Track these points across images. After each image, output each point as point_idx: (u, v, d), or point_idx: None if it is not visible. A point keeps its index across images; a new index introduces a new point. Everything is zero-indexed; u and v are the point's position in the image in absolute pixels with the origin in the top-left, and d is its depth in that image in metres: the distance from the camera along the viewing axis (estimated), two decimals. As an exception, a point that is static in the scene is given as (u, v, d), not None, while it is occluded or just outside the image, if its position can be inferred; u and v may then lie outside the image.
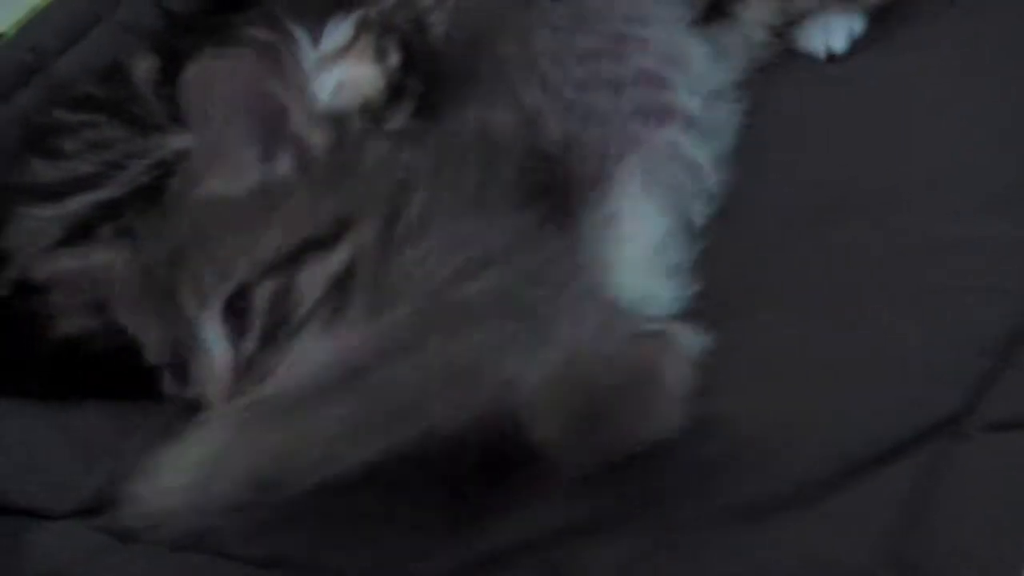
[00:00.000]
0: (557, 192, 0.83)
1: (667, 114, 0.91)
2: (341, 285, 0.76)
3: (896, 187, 0.92)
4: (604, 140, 0.87)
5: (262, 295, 0.76)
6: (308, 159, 0.80)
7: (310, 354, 0.74)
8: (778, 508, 0.73)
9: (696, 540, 0.73)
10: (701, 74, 0.95)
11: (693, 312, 0.85)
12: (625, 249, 0.83)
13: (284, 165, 0.81)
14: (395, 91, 1.11)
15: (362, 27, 1.14)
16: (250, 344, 0.76)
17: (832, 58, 1.08)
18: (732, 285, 0.87)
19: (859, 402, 0.78)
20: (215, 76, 0.81)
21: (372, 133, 0.84)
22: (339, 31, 1.15)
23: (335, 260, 0.76)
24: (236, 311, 0.76)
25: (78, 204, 1.00)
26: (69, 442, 0.91)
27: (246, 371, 0.75)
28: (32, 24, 1.28)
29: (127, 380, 0.90)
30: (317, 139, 0.81)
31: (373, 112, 1.10)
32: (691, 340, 0.76)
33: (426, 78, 1.12)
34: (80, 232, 0.99)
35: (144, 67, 1.14)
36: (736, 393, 0.78)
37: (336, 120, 0.83)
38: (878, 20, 1.10)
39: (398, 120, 1.11)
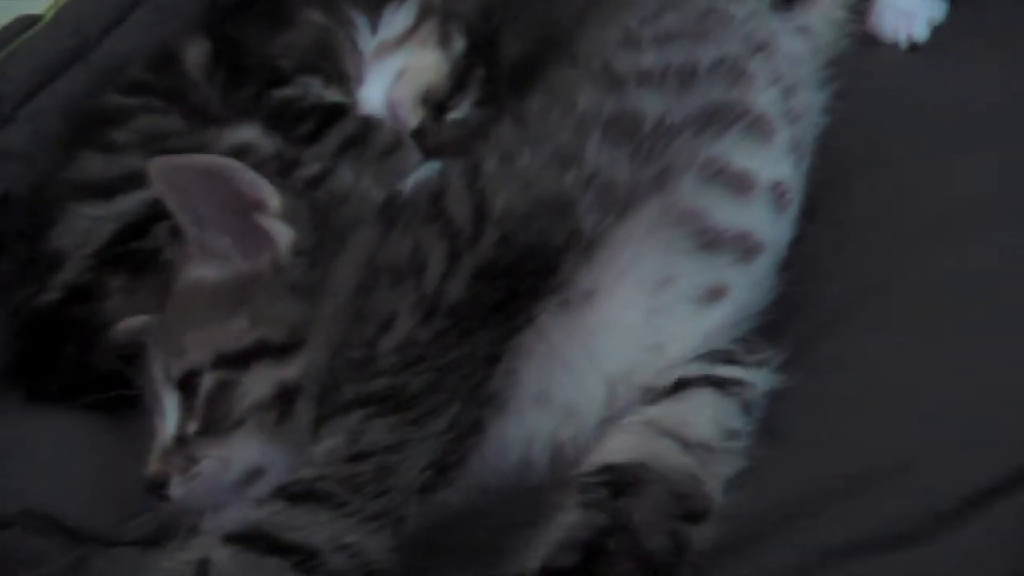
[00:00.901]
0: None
1: (734, 114, 0.83)
2: (287, 396, 0.74)
3: (1005, 201, 0.88)
4: (639, 172, 0.80)
5: (208, 382, 0.74)
6: (280, 261, 0.77)
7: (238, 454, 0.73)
8: (900, 542, 0.70)
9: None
10: (782, 65, 0.90)
11: (786, 330, 0.81)
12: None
13: (261, 262, 0.78)
14: (459, 79, 1.09)
15: (425, 12, 1.11)
16: (191, 427, 0.75)
17: (913, 48, 1.03)
18: (833, 304, 0.83)
19: (970, 434, 0.74)
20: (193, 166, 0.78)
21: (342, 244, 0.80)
22: (399, 16, 1.12)
23: (286, 370, 0.75)
24: (189, 391, 0.75)
25: (130, 202, 0.96)
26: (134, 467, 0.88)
27: (179, 449, 0.75)
28: (70, 7, 1.25)
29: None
30: (283, 237, 0.78)
31: (436, 99, 1.08)
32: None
33: (489, 66, 1.09)
34: (132, 232, 0.95)
35: (195, 52, 1.10)
36: (846, 421, 0.75)
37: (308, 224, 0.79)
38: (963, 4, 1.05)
39: (462, 109, 1.08)
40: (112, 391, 0.88)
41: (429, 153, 1.05)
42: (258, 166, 0.92)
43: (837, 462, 0.73)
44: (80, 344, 0.94)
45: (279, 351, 0.75)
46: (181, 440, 0.75)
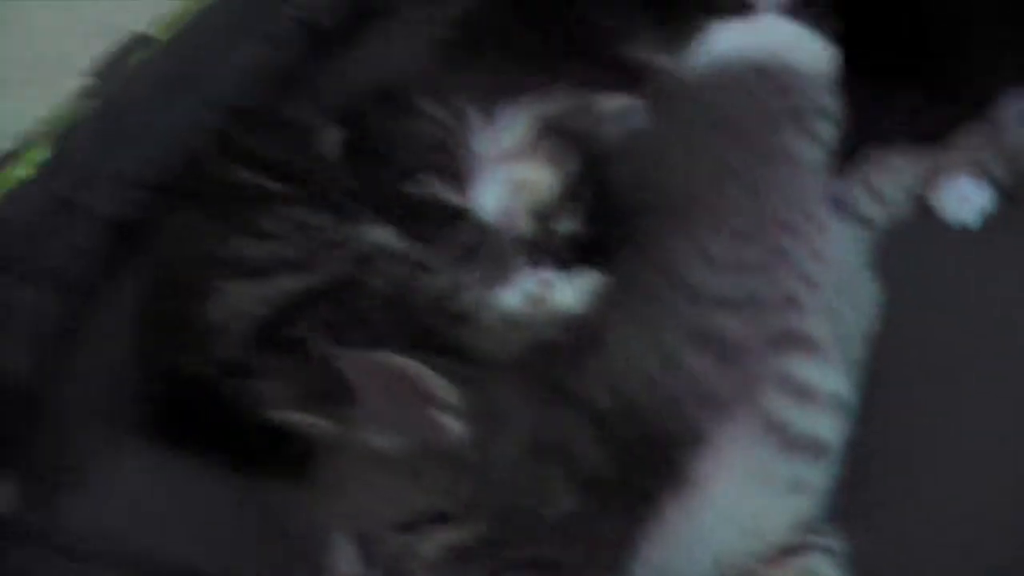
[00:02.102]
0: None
1: (794, 341, 0.97)
2: (457, 555, 0.85)
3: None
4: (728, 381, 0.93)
5: (389, 545, 0.85)
6: (449, 443, 0.88)
7: None
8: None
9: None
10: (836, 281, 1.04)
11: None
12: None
13: (430, 442, 0.89)
14: (569, 196, 1.19)
15: (542, 129, 1.22)
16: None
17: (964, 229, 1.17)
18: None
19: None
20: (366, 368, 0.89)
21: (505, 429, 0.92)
22: (515, 125, 1.22)
23: (457, 534, 0.85)
24: (366, 545, 0.86)
25: (278, 288, 1.07)
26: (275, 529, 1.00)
27: None
28: (188, 31, 1.34)
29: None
30: (455, 430, 0.89)
31: (544, 213, 1.20)
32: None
33: (598, 187, 1.20)
34: (282, 318, 1.07)
35: (329, 139, 1.20)
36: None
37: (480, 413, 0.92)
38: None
39: (567, 225, 1.19)
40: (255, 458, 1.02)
41: (535, 262, 1.17)
42: (391, 270, 1.08)
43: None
44: (228, 416, 1.05)
45: (451, 519, 0.85)
46: None
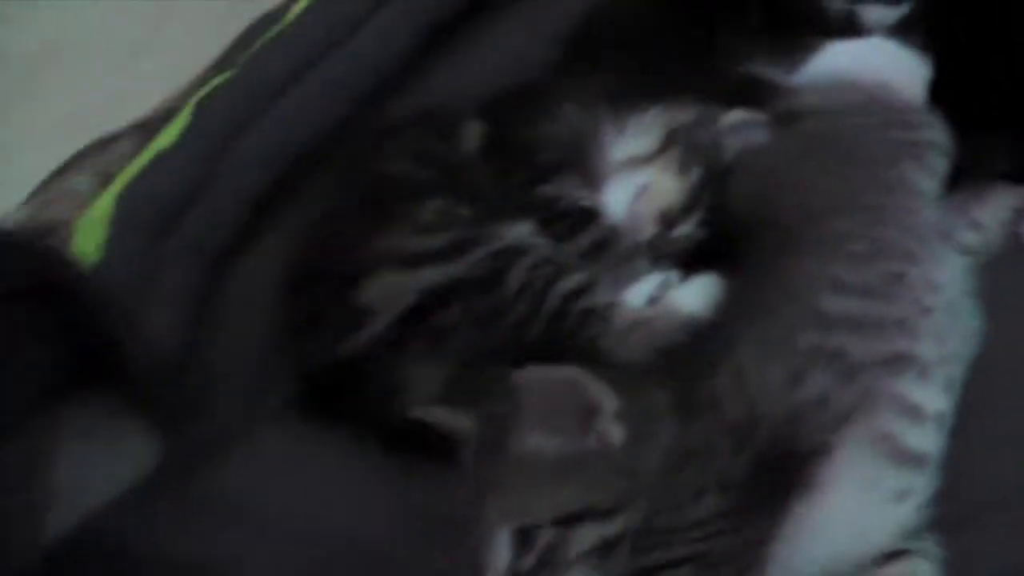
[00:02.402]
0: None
1: (906, 363, 1.05)
2: (607, 546, 0.95)
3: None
4: (845, 397, 1.02)
5: (545, 536, 0.94)
6: (607, 447, 0.98)
7: None
8: None
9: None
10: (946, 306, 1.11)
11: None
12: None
13: (590, 445, 0.98)
14: (692, 202, 1.28)
15: (671, 138, 1.30)
16: (525, 565, 0.95)
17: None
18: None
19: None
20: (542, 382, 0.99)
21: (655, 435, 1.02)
22: (646, 134, 1.31)
23: (609, 528, 0.95)
24: (522, 536, 0.95)
25: (427, 278, 1.16)
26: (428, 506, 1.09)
27: None
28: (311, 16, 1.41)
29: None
30: (616, 436, 0.99)
31: (668, 218, 1.29)
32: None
33: (720, 198, 1.29)
34: (430, 306, 1.15)
35: (470, 134, 1.29)
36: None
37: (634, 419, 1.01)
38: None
39: (686, 228, 1.28)
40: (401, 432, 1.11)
41: (657, 265, 1.26)
42: (528, 266, 1.16)
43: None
44: (378, 396, 1.15)
45: (603, 514, 0.95)
46: (516, 573, 0.96)
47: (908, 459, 1.02)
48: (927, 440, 1.04)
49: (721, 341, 1.08)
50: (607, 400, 0.97)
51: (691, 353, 1.11)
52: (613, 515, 0.96)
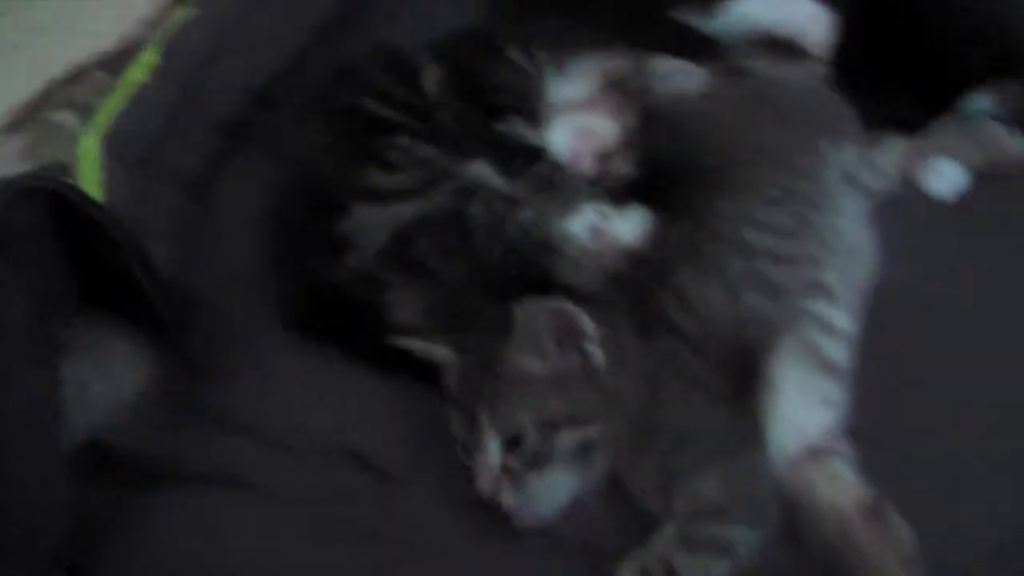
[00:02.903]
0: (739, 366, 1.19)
1: (817, 289, 1.24)
2: (585, 448, 1.15)
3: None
4: (774, 312, 1.22)
5: (534, 440, 1.13)
6: (591, 366, 1.17)
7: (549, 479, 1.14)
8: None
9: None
10: (846, 245, 1.30)
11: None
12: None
13: (573, 364, 1.17)
14: (626, 142, 1.42)
15: (608, 84, 1.44)
16: (515, 464, 1.13)
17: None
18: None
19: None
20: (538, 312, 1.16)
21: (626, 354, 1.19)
22: (583, 79, 1.45)
23: (587, 432, 1.15)
24: (511, 441, 1.14)
25: (400, 212, 1.30)
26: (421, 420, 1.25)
27: (505, 476, 1.13)
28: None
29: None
30: (598, 358, 1.17)
31: (605, 157, 1.43)
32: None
33: (648, 137, 1.44)
34: (403, 239, 1.29)
35: (431, 76, 1.41)
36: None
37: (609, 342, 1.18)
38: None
39: (622, 166, 1.42)
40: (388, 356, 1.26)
41: (596, 198, 1.39)
42: (489, 201, 1.31)
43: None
44: (362, 319, 1.28)
45: (585, 421, 1.14)
46: (506, 468, 1.13)
47: (829, 369, 1.19)
48: (842, 354, 1.22)
49: (659, 269, 1.27)
50: (590, 327, 1.14)
51: (633, 280, 1.27)
52: (591, 422, 1.15)
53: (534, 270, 1.32)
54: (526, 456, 1.13)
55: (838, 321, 1.24)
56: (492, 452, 1.14)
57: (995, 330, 1.29)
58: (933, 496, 1.15)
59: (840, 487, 1.14)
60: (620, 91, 1.44)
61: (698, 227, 1.29)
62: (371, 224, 1.30)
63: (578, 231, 1.36)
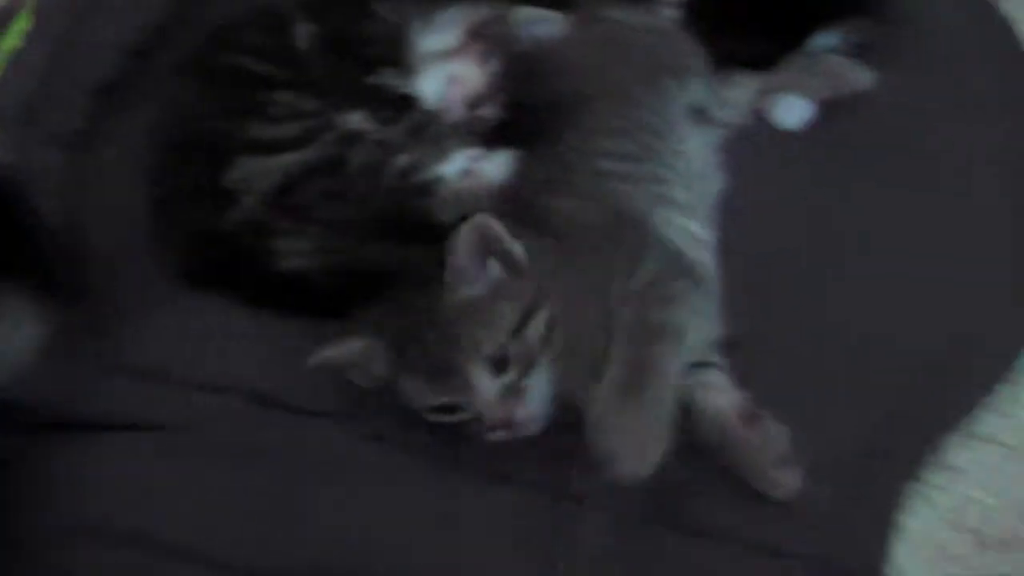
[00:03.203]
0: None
1: (667, 201, 1.35)
2: (551, 327, 1.21)
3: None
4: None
5: (515, 349, 1.19)
6: (515, 261, 1.23)
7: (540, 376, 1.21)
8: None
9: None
10: (691, 168, 1.41)
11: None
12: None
13: (497, 272, 1.23)
14: (492, 88, 1.50)
15: (473, 34, 1.52)
16: (512, 376, 1.19)
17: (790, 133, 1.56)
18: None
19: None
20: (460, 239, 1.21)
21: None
22: (449, 29, 1.52)
23: (541, 318, 1.21)
24: (497, 362, 1.20)
25: (285, 162, 1.36)
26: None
27: (508, 393, 1.19)
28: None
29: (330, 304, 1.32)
30: (518, 250, 1.23)
31: (473, 103, 1.51)
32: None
33: (513, 82, 1.52)
34: (289, 187, 1.35)
35: (303, 32, 1.46)
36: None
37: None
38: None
39: (489, 110, 1.50)
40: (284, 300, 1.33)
41: (465, 139, 1.47)
42: (366, 149, 1.38)
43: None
44: (253, 266, 1.35)
45: (538, 307, 1.21)
46: (506, 386, 1.19)
47: (693, 272, 1.30)
48: (704, 257, 1.34)
49: (523, 201, 1.36)
50: (501, 227, 1.22)
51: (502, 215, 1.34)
52: (538, 308, 1.22)
53: (412, 211, 1.39)
54: (515, 362, 1.19)
55: (696, 230, 1.35)
56: (485, 387, 1.19)
57: (840, 243, 1.42)
58: (804, 400, 1.28)
59: (719, 395, 1.25)
60: (486, 39, 1.52)
61: (556, 159, 1.39)
62: (257, 174, 1.35)
63: (451, 173, 1.44)
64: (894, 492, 1.29)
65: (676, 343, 1.19)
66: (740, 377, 1.28)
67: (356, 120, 1.41)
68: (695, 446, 1.22)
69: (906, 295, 1.39)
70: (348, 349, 1.24)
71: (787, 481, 1.23)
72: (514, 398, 1.19)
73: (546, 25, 1.54)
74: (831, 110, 1.55)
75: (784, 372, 1.30)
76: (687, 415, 1.21)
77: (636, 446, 1.13)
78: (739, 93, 1.54)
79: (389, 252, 1.36)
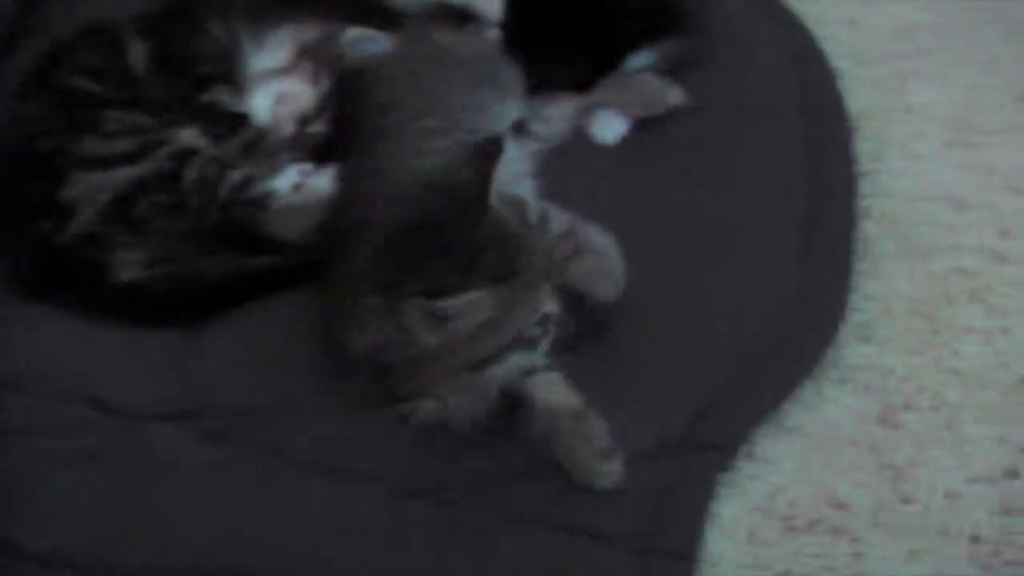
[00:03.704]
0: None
1: None
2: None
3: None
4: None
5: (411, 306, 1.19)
6: None
7: None
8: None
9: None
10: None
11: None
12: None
13: None
14: (321, 105, 1.57)
15: (302, 53, 1.58)
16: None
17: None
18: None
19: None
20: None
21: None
22: (280, 48, 1.59)
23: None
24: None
25: (121, 176, 1.40)
26: (157, 360, 1.36)
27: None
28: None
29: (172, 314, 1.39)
30: None
31: (304, 119, 1.57)
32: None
33: (340, 99, 1.58)
34: (125, 201, 1.40)
35: (135, 51, 1.51)
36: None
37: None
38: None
39: (319, 126, 1.57)
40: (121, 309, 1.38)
41: (297, 157, 1.53)
42: (200, 165, 1.43)
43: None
44: (89, 277, 1.39)
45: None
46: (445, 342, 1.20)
47: None
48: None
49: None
50: None
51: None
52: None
53: (245, 224, 1.45)
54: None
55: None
56: (421, 329, 1.19)
57: (652, 247, 1.45)
58: (624, 395, 1.38)
59: (553, 394, 1.32)
60: (315, 58, 1.58)
61: (374, 170, 1.45)
62: (92, 189, 1.40)
63: (283, 187, 1.50)
64: (708, 481, 1.37)
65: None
66: (570, 375, 1.35)
67: (189, 136, 1.46)
68: (526, 438, 1.30)
69: (716, 293, 1.49)
70: None
71: (609, 472, 1.31)
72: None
73: (374, 44, 1.60)
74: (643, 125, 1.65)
75: (606, 368, 1.39)
76: (522, 410, 1.29)
77: None
78: (559, 111, 1.62)
79: (223, 263, 1.42)
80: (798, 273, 1.52)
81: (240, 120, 1.52)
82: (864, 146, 1.74)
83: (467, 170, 1.27)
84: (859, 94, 1.80)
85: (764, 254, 1.53)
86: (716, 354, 1.44)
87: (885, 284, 1.59)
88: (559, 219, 1.37)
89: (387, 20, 1.64)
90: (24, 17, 1.62)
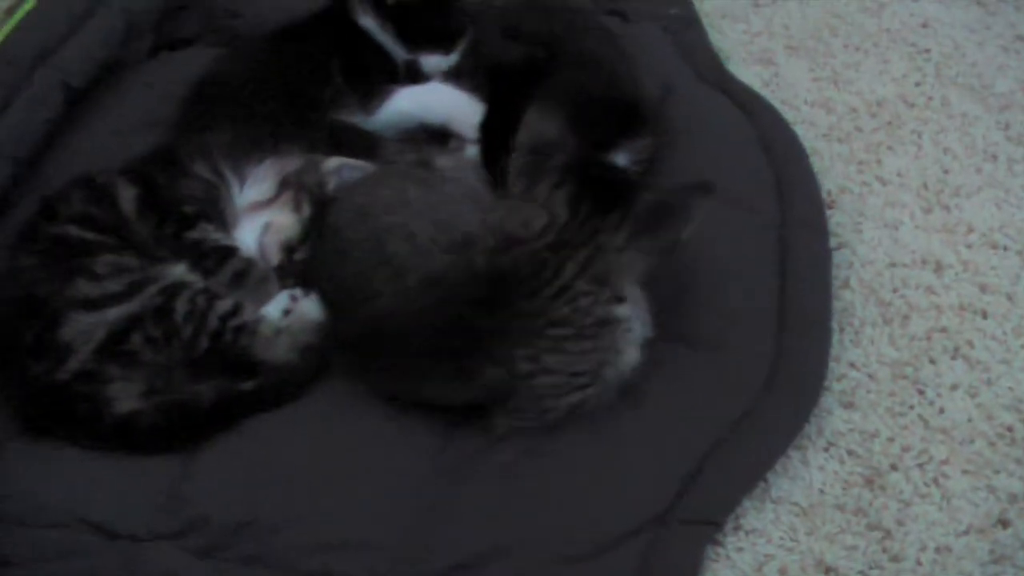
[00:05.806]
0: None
1: None
2: None
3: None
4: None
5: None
6: None
7: None
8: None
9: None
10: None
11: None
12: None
13: None
14: (306, 232, 1.65)
15: (284, 184, 1.66)
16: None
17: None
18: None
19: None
20: None
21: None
22: (264, 183, 1.67)
23: None
24: None
25: (114, 315, 1.48)
26: (154, 484, 1.42)
27: None
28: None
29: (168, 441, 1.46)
30: None
31: (290, 247, 1.64)
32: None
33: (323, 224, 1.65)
34: (119, 337, 1.47)
35: (126, 196, 1.59)
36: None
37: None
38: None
39: (304, 253, 1.64)
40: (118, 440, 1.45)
41: (285, 283, 1.61)
42: (189, 297, 1.50)
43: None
44: (88, 412, 1.46)
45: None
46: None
47: None
48: None
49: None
50: None
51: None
52: None
53: (236, 351, 1.51)
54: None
55: None
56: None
57: None
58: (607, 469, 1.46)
59: None
60: (297, 188, 1.66)
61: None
62: (87, 328, 1.47)
63: (272, 313, 1.57)
64: (696, 555, 1.40)
65: None
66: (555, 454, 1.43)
67: (179, 272, 1.54)
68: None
69: (693, 374, 1.54)
70: None
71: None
72: None
73: (352, 171, 1.68)
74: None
75: (591, 448, 1.46)
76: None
77: None
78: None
79: (215, 388, 1.49)
80: (772, 349, 1.56)
81: (229, 252, 1.59)
82: (841, 219, 1.79)
83: None
84: (834, 170, 1.87)
85: (737, 334, 1.57)
86: (695, 432, 1.48)
87: (867, 350, 1.62)
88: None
89: (364, 145, 1.73)
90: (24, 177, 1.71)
